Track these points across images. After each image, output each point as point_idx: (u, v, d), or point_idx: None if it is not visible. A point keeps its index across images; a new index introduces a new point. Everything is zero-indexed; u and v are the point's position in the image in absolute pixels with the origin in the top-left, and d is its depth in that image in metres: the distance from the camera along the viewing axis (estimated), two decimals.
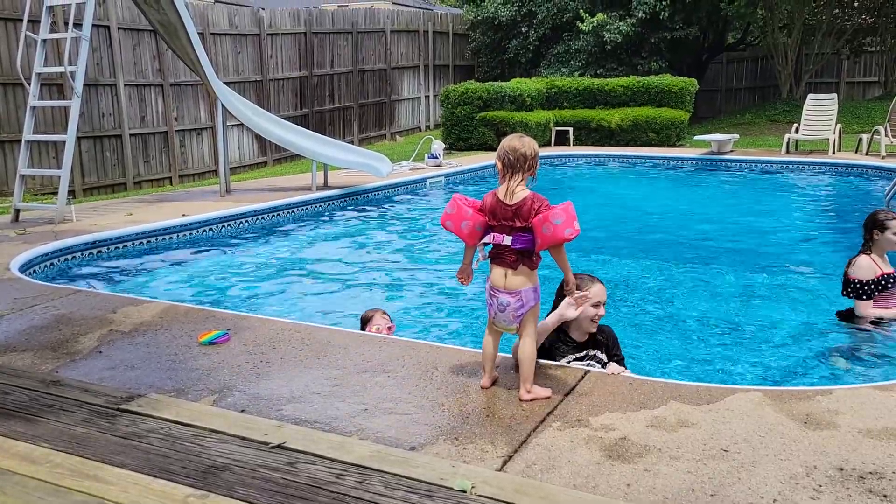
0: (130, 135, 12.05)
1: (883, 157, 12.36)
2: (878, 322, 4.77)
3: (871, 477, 2.58)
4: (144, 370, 3.71)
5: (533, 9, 19.44)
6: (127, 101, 11.97)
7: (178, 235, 7.82)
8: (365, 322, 4.55)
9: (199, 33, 10.49)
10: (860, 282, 4.75)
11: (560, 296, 3.64)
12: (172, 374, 3.64)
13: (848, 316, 4.93)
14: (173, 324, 4.44)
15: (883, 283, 4.72)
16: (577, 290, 3.37)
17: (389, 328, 4.52)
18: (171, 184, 12.70)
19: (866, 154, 12.91)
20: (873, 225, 4.79)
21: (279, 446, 2.84)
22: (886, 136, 12.55)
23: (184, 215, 8.09)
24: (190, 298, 5.85)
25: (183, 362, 3.80)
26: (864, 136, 13.25)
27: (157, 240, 7.58)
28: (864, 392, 3.31)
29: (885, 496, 2.46)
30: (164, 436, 2.95)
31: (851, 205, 10.25)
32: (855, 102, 19.10)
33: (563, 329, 3.67)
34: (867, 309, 4.76)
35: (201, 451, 2.81)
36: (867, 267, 4.75)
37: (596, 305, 3.57)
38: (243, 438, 2.92)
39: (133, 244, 7.37)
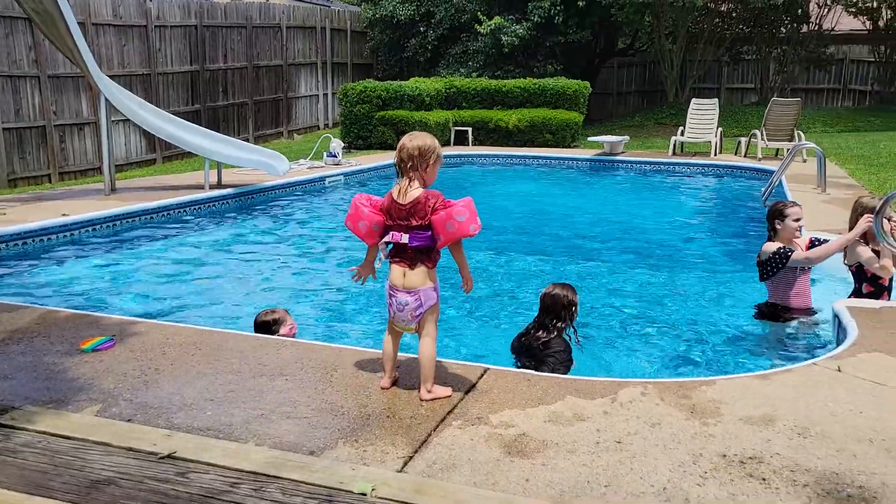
0: (3, 129, 11.25)
1: (759, 160, 13.18)
2: (777, 315, 5.01)
3: (751, 462, 2.73)
4: (19, 381, 3.47)
5: (431, 9, 19.54)
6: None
7: (57, 236, 7.36)
8: (265, 325, 4.39)
9: (79, 23, 9.93)
10: (769, 256, 4.92)
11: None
12: (51, 384, 3.42)
13: (765, 310, 5.16)
14: (52, 330, 4.17)
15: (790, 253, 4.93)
16: (576, 308, 4.14)
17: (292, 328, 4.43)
18: (51, 181, 11.95)
19: (745, 156, 13.73)
20: (773, 216, 5.03)
21: (169, 456, 2.72)
22: (762, 139, 13.42)
23: (64, 215, 7.63)
24: (71, 303, 5.51)
25: (63, 371, 3.58)
26: (743, 140, 14.10)
27: (33, 241, 7.11)
28: (744, 381, 3.51)
29: (763, 479, 2.61)
30: (41, 450, 2.76)
31: (732, 202, 10.88)
32: (734, 107, 20.27)
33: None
34: (813, 254, 4.86)
35: (84, 465, 2.66)
36: (771, 245, 4.97)
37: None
38: (130, 449, 2.78)
39: (6, 246, 6.88)
